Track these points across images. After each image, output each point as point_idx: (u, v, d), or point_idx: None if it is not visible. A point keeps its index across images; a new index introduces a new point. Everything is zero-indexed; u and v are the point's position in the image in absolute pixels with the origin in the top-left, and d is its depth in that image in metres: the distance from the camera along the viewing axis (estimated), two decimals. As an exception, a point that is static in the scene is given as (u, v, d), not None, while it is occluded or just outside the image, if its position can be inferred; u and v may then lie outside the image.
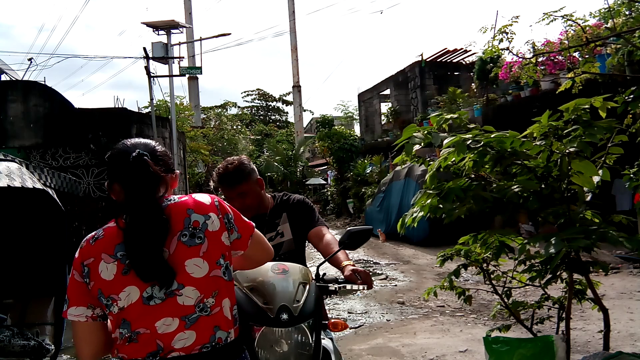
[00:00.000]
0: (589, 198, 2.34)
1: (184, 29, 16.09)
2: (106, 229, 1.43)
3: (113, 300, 1.36)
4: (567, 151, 2.13)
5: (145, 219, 1.35)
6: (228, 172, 2.37)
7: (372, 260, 10.11)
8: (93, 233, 1.44)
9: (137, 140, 1.50)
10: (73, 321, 1.42)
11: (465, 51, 16.67)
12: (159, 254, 1.35)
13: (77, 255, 1.42)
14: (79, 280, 1.40)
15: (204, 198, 1.50)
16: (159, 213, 1.38)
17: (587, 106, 2.16)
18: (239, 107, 40.27)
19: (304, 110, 31.89)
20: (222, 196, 2.48)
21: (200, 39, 16.53)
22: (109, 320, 1.44)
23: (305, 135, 28.65)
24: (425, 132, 2.33)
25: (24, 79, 13.85)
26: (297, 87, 29.05)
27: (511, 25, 2.85)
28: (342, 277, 2.11)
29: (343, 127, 23.52)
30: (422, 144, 2.30)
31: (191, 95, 26.74)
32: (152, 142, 1.53)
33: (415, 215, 2.32)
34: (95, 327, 1.43)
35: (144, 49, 13.64)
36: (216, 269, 1.43)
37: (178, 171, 1.62)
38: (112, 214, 1.42)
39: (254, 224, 1.61)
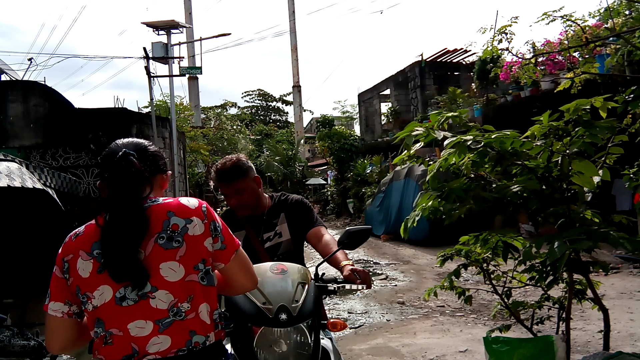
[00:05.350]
0: (589, 198, 2.34)
1: (184, 29, 16.07)
2: (87, 225, 1.43)
3: (88, 298, 1.37)
4: (567, 151, 2.13)
5: (122, 218, 1.34)
6: (225, 168, 2.39)
7: (372, 260, 10.10)
8: (76, 229, 1.44)
9: (129, 140, 1.49)
10: (49, 315, 1.43)
11: (465, 51, 16.69)
12: (132, 254, 1.33)
13: (60, 250, 1.43)
14: (59, 275, 1.42)
15: (190, 202, 1.47)
16: (138, 212, 1.37)
17: (587, 107, 2.16)
18: (239, 107, 40.37)
19: (304, 110, 31.95)
20: (221, 195, 2.49)
21: (200, 39, 16.53)
22: (85, 317, 1.44)
23: (305, 135, 28.66)
24: (427, 126, 2.32)
25: (24, 79, 13.83)
26: (297, 87, 29.07)
27: (510, 25, 2.85)
28: (342, 277, 2.11)
29: (343, 127, 23.51)
30: (423, 141, 2.30)
31: (191, 95, 26.76)
32: (145, 142, 1.52)
33: (416, 218, 2.32)
34: (68, 323, 1.44)
35: (144, 49, 13.62)
36: (193, 273, 1.40)
37: (170, 172, 1.61)
38: (96, 212, 1.41)
39: (240, 243, 1.56)
